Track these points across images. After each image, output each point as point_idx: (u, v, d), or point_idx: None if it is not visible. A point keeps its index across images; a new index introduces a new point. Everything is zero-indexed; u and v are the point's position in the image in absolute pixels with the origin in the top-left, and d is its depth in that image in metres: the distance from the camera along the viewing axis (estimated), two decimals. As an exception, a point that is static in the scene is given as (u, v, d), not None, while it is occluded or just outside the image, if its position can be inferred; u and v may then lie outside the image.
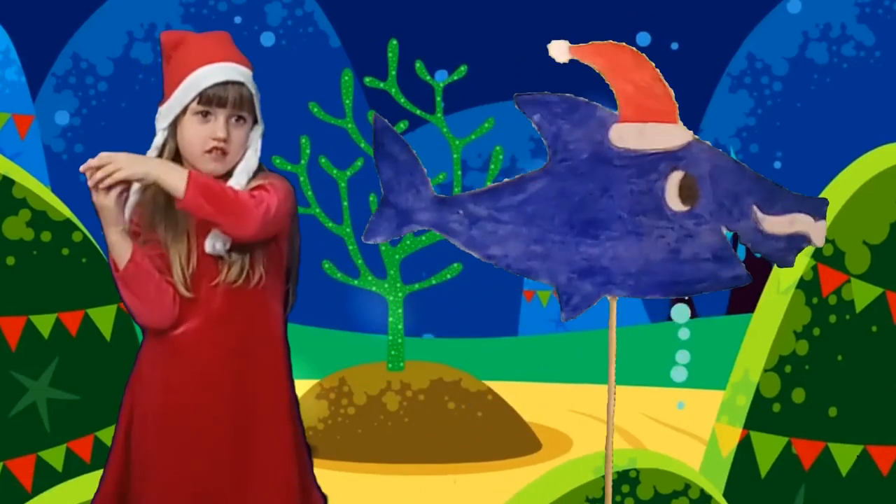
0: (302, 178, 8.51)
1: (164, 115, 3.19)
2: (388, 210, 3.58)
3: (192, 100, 3.15)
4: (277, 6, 12.83)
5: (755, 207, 3.57)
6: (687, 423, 8.93)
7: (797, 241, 3.60)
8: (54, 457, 4.68)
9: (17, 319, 4.63)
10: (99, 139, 12.47)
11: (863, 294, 4.69)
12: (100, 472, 3.30)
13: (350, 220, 8.52)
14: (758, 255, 3.64)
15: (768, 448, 4.66)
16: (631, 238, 3.54)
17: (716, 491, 4.47)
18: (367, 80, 8.51)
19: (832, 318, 4.67)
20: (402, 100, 8.46)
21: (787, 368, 4.66)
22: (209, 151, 3.15)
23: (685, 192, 3.52)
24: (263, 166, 3.25)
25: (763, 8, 12.68)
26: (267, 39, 12.53)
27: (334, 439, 8.19)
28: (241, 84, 3.17)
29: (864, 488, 4.72)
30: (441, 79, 8.60)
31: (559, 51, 3.57)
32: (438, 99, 8.54)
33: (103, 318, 4.76)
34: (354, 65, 11.80)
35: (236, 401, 3.18)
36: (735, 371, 4.80)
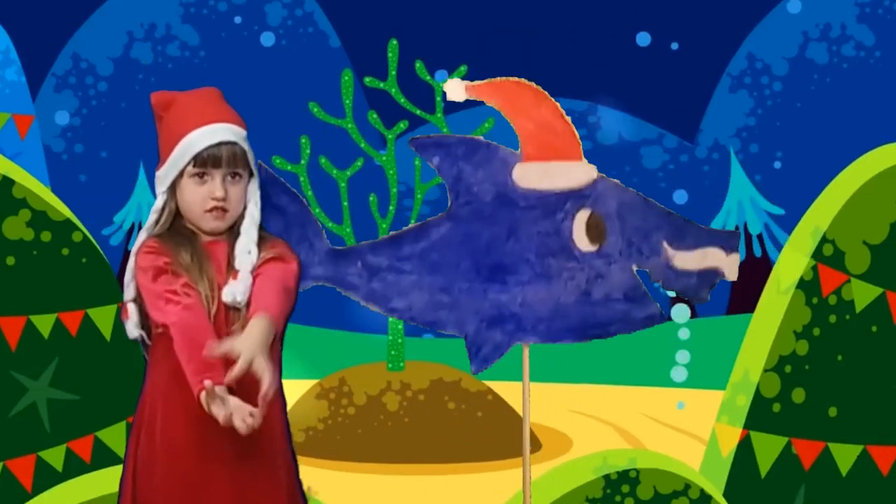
0: (302, 178, 8.51)
1: (161, 179, 3.28)
2: None
3: (188, 163, 3.22)
4: (277, 6, 12.82)
5: (665, 244, 3.46)
6: (687, 423, 8.93)
7: (709, 276, 3.50)
8: (54, 457, 4.68)
9: (17, 319, 4.63)
10: (99, 139, 12.47)
11: (863, 294, 4.69)
12: (100, 473, 3.31)
13: (350, 220, 8.52)
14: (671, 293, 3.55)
15: (768, 448, 4.66)
16: (540, 281, 3.41)
17: (716, 491, 4.48)
18: (367, 80, 8.50)
19: (832, 318, 4.67)
20: (402, 100, 8.45)
21: (787, 368, 4.66)
22: (209, 211, 3.23)
23: (593, 232, 3.41)
24: (263, 226, 3.31)
25: (763, 8, 12.67)
26: (267, 39, 12.52)
27: (334, 439, 8.19)
28: (233, 143, 3.24)
29: (864, 488, 4.72)
30: (441, 79, 8.59)
31: (455, 90, 3.46)
32: (438, 99, 8.54)
33: (103, 318, 4.76)
34: (354, 65, 11.80)
35: (233, 438, 3.17)
36: (735, 371, 4.80)
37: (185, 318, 3.08)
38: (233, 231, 3.27)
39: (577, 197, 3.41)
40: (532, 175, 3.40)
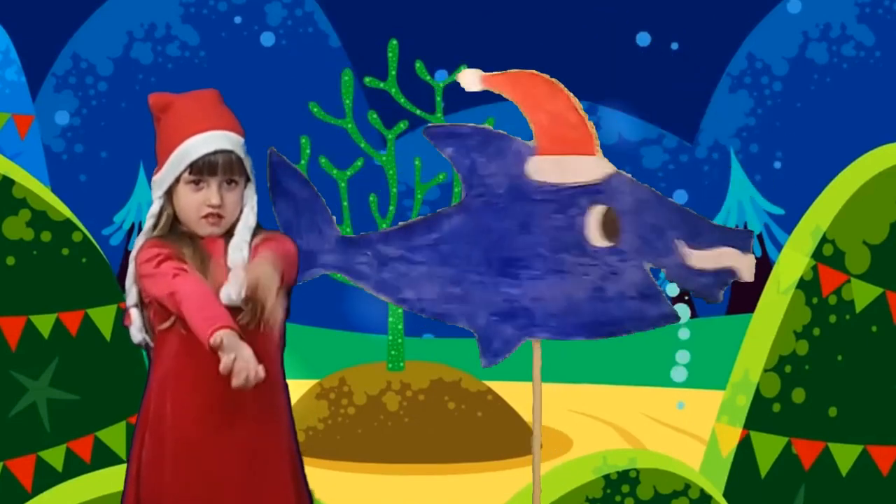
0: (302, 178, 8.50)
1: (158, 185, 3.29)
2: None
3: (184, 170, 3.24)
4: (277, 6, 12.82)
5: (680, 242, 3.41)
6: (687, 423, 8.93)
7: (724, 276, 3.44)
8: (54, 457, 4.68)
9: (17, 319, 4.63)
10: (99, 139, 12.47)
11: (863, 294, 4.69)
12: (100, 473, 3.32)
13: (350, 220, 8.53)
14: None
15: (768, 448, 4.67)
16: (553, 277, 3.37)
17: (716, 491, 4.48)
18: (367, 80, 8.50)
19: (832, 318, 4.68)
20: (402, 100, 8.45)
21: (787, 368, 4.66)
22: (205, 217, 3.24)
23: (607, 228, 3.37)
24: (261, 225, 3.32)
25: (763, 8, 12.67)
26: (267, 39, 12.52)
27: (334, 439, 8.19)
28: (229, 151, 3.25)
29: (864, 488, 4.72)
30: (441, 79, 8.59)
31: (470, 80, 3.46)
32: (438, 99, 8.53)
33: (103, 318, 4.77)
34: (354, 65, 11.79)
35: (242, 434, 3.21)
36: (735, 371, 4.80)
37: (193, 283, 3.10)
38: (230, 233, 3.28)
39: (591, 192, 3.36)
40: (546, 168, 3.37)
